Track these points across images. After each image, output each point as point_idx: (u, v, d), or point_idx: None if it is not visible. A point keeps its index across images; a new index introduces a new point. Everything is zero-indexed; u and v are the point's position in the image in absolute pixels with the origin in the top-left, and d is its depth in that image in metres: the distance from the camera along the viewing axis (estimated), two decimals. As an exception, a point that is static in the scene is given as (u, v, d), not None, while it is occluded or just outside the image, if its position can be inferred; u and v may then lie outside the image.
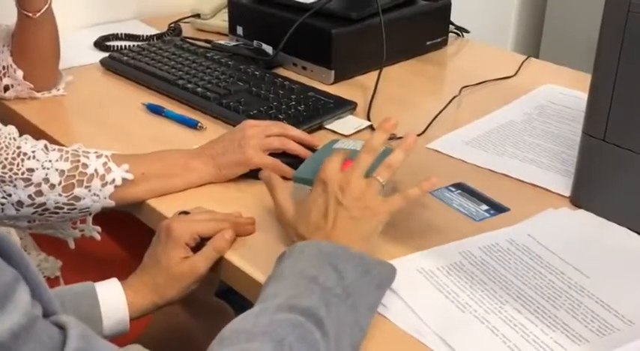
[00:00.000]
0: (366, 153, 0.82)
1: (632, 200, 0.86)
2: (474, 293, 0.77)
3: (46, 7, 1.16)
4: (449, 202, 0.94)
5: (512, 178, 1.00)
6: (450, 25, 1.48)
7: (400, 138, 0.90)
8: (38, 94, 1.22)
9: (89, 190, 0.91)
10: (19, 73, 1.19)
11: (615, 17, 0.82)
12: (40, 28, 1.17)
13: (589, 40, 0.85)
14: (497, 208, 0.93)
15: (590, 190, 0.91)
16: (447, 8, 1.44)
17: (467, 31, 1.53)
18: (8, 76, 1.19)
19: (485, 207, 0.94)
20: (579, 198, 0.93)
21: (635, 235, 0.86)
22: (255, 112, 1.13)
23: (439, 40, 1.45)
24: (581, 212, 0.91)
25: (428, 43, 1.43)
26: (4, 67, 1.19)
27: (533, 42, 2.40)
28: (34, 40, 1.18)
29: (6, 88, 1.20)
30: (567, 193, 0.95)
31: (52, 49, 1.21)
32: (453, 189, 0.97)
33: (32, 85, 1.20)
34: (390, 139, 1.03)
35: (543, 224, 0.89)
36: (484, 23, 1.86)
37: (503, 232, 0.88)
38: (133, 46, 1.42)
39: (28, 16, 1.15)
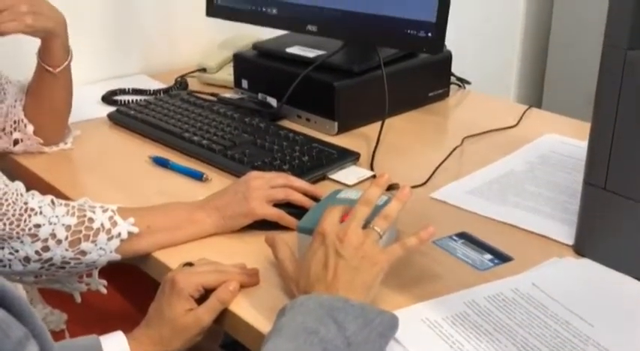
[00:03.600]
0: (363, 205, 0.83)
1: (635, 248, 0.86)
2: (480, 344, 0.77)
3: (66, 63, 1.19)
4: (453, 252, 0.95)
5: (515, 227, 1.00)
6: (451, 77, 1.51)
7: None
8: (46, 149, 1.24)
9: (95, 245, 0.92)
10: (30, 128, 1.21)
11: (612, 67, 0.84)
12: (58, 83, 1.20)
13: (591, 90, 0.87)
14: (501, 258, 0.93)
15: (594, 239, 0.91)
16: (447, 60, 1.47)
17: (468, 83, 1.55)
18: (19, 131, 1.21)
19: (489, 256, 0.94)
20: (583, 247, 0.93)
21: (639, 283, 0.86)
22: (259, 163, 1.15)
23: (441, 91, 1.47)
24: (585, 261, 0.91)
25: (430, 94, 1.45)
26: (15, 122, 1.21)
27: (536, 93, 2.43)
28: (50, 94, 1.21)
29: (15, 142, 1.22)
30: (571, 242, 0.95)
31: (65, 104, 1.24)
32: (457, 238, 0.98)
33: (41, 140, 1.22)
34: (391, 188, 1.05)
35: (547, 273, 0.89)
36: (485, 75, 1.89)
37: (507, 282, 0.88)
38: (140, 100, 1.44)
39: (48, 70, 1.18)
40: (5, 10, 1.09)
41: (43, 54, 1.18)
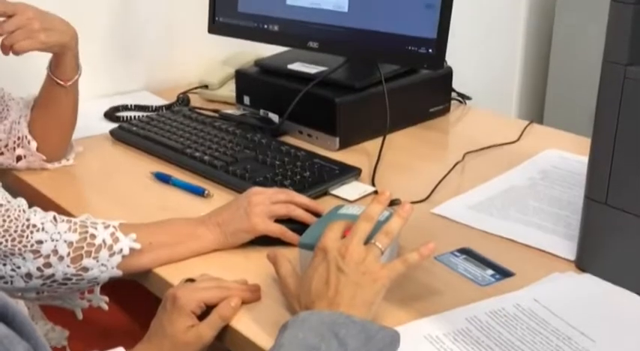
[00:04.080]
0: (364, 221, 0.83)
1: (636, 263, 0.86)
2: (481, 359, 0.77)
3: (77, 77, 1.21)
4: (454, 267, 0.95)
5: (517, 242, 1.00)
6: (452, 93, 1.51)
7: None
8: (49, 165, 1.24)
9: (97, 261, 0.92)
10: (33, 145, 1.21)
11: (612, 83, 0.84)
12: (68, 96, 1.22)
13: (592, 105, 0.87)
14: (502, 273, 0.93)
15: (595, 254, 0.91)
16: (448, 76, 1.47)
17: (469, 98, 1.56)
18: (22, 147, 1.22)
19: (490, 272, 0.94)
20: (584, 262, 0.93)
21: (642, 298, 0.86)
22: (261, 179, 1.15)
23: (442, 107, 1.48)
24: (587, 276, 0.91)
25: (431, 110, 1.46)
26: (19, 138, 1.22)
27: (537, 109, 2.43)
28: (58, 108, 1.22)
29: (18, 159, 1.23)
30: (572, 257, 0.95)
31: (72, 119, 1.25)
32: (458, 254, 0.98)
33: (44, 157, 1.23)
34: (393, 204, 1.05)
35: (549, 289, 0.89)
36: (486, 91, 1.90)
37: (509, 297, 0.88)
38: (143, 116, 1.45)
39: (59, 83, 1.19)
40: (19, 29, 1.10)
41: (54, 67, 1.19)
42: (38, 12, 1.13)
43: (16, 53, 1.12)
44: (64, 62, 1.18)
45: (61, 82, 1.19)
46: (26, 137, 1.21)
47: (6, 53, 1.12)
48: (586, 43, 2.19)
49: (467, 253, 0.98)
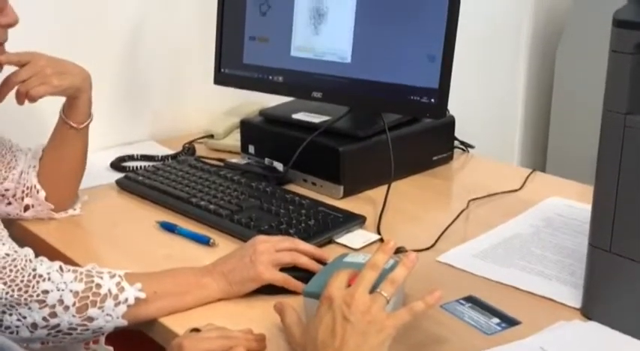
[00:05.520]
0: (370, 269, 0.84)
1: (642, 311, 0.86)
2: (488, 409, 0.76)
3: (89, 121, 1.23)
4: (460, 316, 0.94)
5: (522, 290, 1.00)
6: (455, 141, 1.53)
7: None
8: (56, 215, 1.25)
9: (102, 311, 0.92)
10: (42, 194, 1.22)
11: (612, 132, 0.85)
12: (80, 140, 1.23)
13: (594, 154, 0.88)
14: (508, 321, 0.93)
15: (601, 302, 0.91)
16: (451, 125, 1.49)
17: (472, 147, 1.57)
18: (30, 197, 1.23)
19: (496, 320, 0.93)
20: (590, 310, 0.92)
21: (649, 346, 0.86)
22: (266, 227, 1.15)
23: (445, 155, 1.49)
24: (593, 324, 0.91)
25: (434, 158, 1.47)
26: (27, 187, 1.22)
27: (539, 157, 2.44)
28: (69, 153, 1.23)
29: (26, 208, 1.23)
30: (578, 305, 0.94)
31: (81, 165, 1.26)
32: (464, 302, 0.98)
33: (53, 206, 1.24)
34: (398, 252, 1.05)
35: (555, 337, 0.89)
36: (489, 139, 1.91)
37: (515, 346, 0.87)
38: (149, 166, 1.46)
39: (72, 127, 1.21)
40: (33, 77, 1.12)
41: (67, 110, 1.21)
42: (51, 58, 1.16)
43: (32, 99, 1.14)
44: (77, 105, 1.20)
45: (74, 125, 1.21)
46: (35, 187, 1.22)
47: (21, 102, 1.14)
48: (587, 91, 2.21)
49: (472, 301, 0.98)
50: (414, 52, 1.28)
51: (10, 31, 1.10)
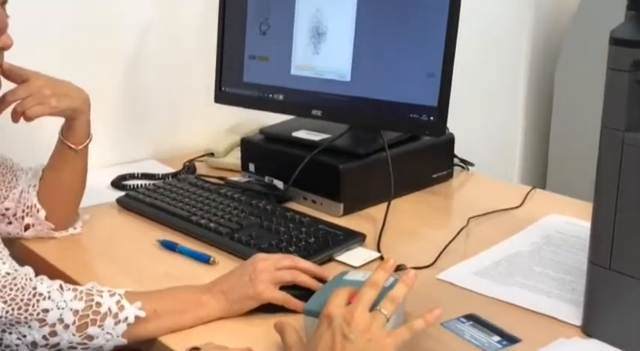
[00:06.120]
0: (369, 287, 0.84)
1: (643, 328, 0.86)
2: None
3: (88, 141, 1.23)
4: (460, 334, 0.94)
5: (522, 308, 1.00)
6: (455, 158, 1.53)
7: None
8: (56, 234, 1.25)
9: (102, 329, 0.92)
10: (42, 214, 1.22)
11: (611, 149, 0.86)
12: (79, 161, 1.23)
13: (593, 171, 0.88)
14: (509, 339, 0.93)
15: (601, 319, 0.91)
16: (450, 143, 1.49)
17: (471, 164, 1.57)
18: (31, 216, 1.23)
19: (497, 338, 0.93)
20: (590, 327, 0.92)
21: (650, 364, 0.85)
22: (265, 245, 1.15)
23: (444, 172, 1.49)
24: (594, 342, 0.91)
25: (434, 175, 1.47)
26: (27, 207, 1.23)
27: (539, 175, 2.44)
28: (68, 173, 1.23)
29: (27, 228, 1.23)
30: (578, 323, 0.94)
31: (81, 185, 1.26)
32: (465, 320, 0.97)
33: (53, 226, 1.24)
34: (398, 269, 1.05)
35: (556, 355, 0.88)
36: (489, 157, 1.91)
37: (516, 364, 0.87)
38: (149, 184, 1.47)
39: (71, 148, 1.21)
40: (30, 96, 1.13)
41: (66, 131, 1.21)
42: (50, 79, 1.16)
43: (28, 119, 1.14)
44: (75, 126, 1.20)
45: (73, 146, 1.21)
46: (35, 206, 1.22)
47: (16, 120, 1.14)
48: (586, 109, 2.21)
49: (473, 319, 0.98)
50: (413, 70, 1.29)
51: (10, 52, 1.11)
